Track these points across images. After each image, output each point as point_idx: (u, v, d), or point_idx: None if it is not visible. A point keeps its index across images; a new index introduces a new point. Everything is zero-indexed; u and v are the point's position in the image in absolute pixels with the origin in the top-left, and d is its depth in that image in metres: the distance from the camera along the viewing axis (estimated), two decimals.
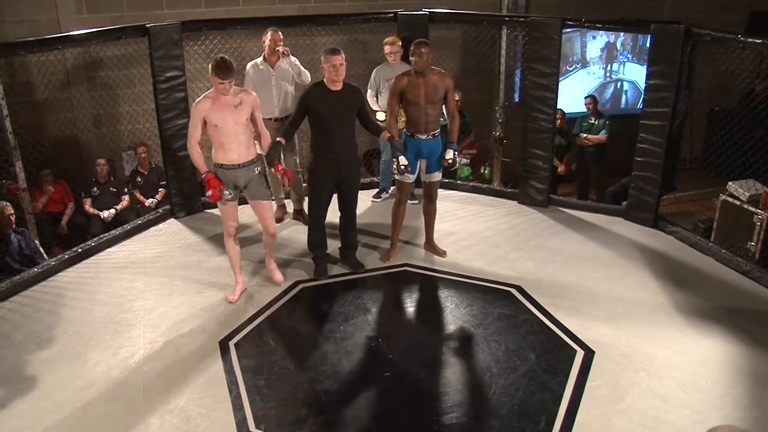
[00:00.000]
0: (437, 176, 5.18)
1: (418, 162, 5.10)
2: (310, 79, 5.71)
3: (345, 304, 4.72)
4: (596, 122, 7.74)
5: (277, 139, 4.61)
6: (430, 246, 5.44)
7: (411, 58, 4.87)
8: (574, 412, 3.60)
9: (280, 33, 5.66)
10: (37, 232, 5.69)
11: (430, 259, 5.35)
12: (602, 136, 7.68)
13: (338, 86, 4.70)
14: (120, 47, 6.28)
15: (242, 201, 4.79)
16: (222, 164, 4.49)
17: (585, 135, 7.78)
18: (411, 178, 5.11)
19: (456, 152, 5.03)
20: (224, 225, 4.69)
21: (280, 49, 5.61)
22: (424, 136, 4.99)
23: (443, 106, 5.11)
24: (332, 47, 4.69)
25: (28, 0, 6.94)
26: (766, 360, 4.03)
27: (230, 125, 4.39)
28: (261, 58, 5.65)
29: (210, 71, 4.30)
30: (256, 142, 4.67)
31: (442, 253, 5.39)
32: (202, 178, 4.52)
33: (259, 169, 4.60)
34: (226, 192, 4.52)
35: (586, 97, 8.01)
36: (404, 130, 5.08)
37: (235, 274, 4.82)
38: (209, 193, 4.44)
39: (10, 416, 3.64)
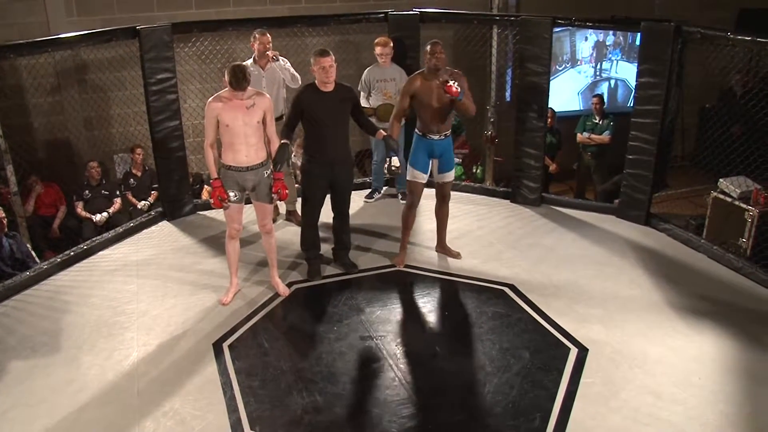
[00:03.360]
0: (450, 176, 5.13)
1: (431, 162, 5.06)
2: (300, 82, 5.69)
3: (338, 305, 4.71)
4: (601, 122, 7.72)
5: (283, 141, 4.57)
6: (443, 248, 5.40)
7: (428, 57, 4.77)
8: (568, 409, 3.61)
9: (268, 35, 5.63)
10: (29, 235, 5.67)
11: (423, 258, 5.35)
12: (605, 136, 7.67)
13: (330, 87, 4.69)
14: (111, 49, 6.25)
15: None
16: (230, 166, 4.48)
17: (588, 134, 7.78)
18: (423, 178, 5.05)
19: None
20: (227, 227, 4.67)
21: (270, 53, 5.60)
22: (436, 137, 4.95)
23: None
24: (321, 49, 4.68)
25: (18, 3, 6.90)
26: (759, 356, 4.05)
27: (240, 126, 4.38)
28: (251, 60, 5.64)
29: (225, 77, 4.31)
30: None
31: (456, 255, 5.35)
32: (210, 181, 4.56)
33: (268, 172, 4.58)
34: (231, 194, 4.51)
35: (593, 96, 8.01)
36: (416, 130, 5.03)
37: (231, 276, 4.81)
38: (211, 200, 4.47)
39: (2, 421, 3.62)
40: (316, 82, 4.71)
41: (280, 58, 5.69)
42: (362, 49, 7.46)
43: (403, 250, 5.29)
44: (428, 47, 4.82)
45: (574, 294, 4.80)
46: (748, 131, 5.63)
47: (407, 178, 5.12)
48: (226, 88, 4.38)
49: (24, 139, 6.03)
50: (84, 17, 7.11)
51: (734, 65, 5.73)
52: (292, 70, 5.71)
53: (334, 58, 4.65)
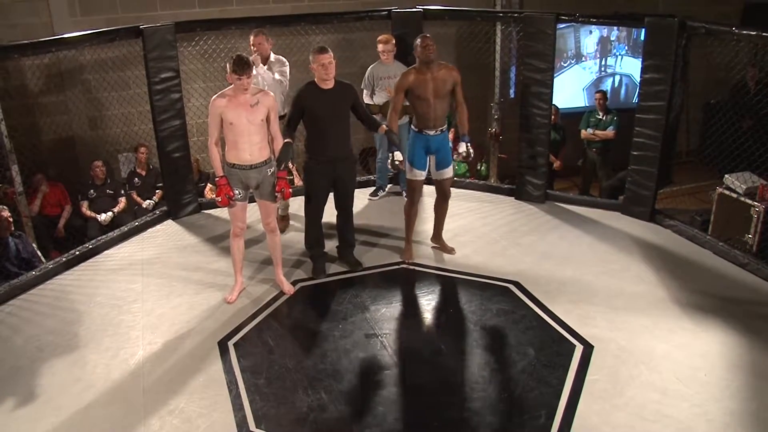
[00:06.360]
0: (449, 172, 5.11)
1: (428, 158, 5.06)
2: (287, 87, 5.64)
3: (343, 303, 4.71)
4: (604, 118, 7.71)
5: (286, 140, 4.54)
6: (437, 241, 5.41)
7: (420, 50, 4.79)
8: (574, 406, 3.60)
9: (259, 36, 5.53)
10: (34, 235, 5.69)
11: (428, 255, 5.35)
12: (609, 132, 7.66)
13: (330, 84, 4.69)
14: (114, 49, 6.27)
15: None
16: (234, 164, 4.49)
17: (592, 131, 7.76)
18: (422, 175, 5.05)
19: (468, 144, 4.96)
20: (232, 225, 4.68)
21: (252, 57, 5.51)
22: (432, 132, 4.94)
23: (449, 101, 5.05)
24: (320, 46, 4.69)
25: (22, 4, 6.92)
26: (765, 352, 4.03)
27: (244, 124, 4.38)
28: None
29: (228, 69, 4.31)
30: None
31: (450, 250, 5.36)
32: (215, 180, 4.56)
33: (272, 170, 4.58)
34: (236, 191, 4.52)
35: (596, 92, 8.01)
36: (412, 126, 5.04)
37: (236, 274, 4.82)
38: (218, 198, 4.46)
39: (9, 420, 3.64)
40: (315, 79, 4.71)
41: (276, 57, 5.64)
42: (365, 46, 7.45)
43: (408, 245, 5.30)
44: (418, 41, 4.83)
45: (579, 291, 4.79)
46: (755, 126, 5.61)
47: (407, 176, 5.13)
48: (231, 86, 4.39)
49: (29, 139, 6.03)
50: (87, 17, 7.12)
51: (749, 60, 5.70)
52: (278, 76, 5.60)
53: (332, 54, 4.65)
